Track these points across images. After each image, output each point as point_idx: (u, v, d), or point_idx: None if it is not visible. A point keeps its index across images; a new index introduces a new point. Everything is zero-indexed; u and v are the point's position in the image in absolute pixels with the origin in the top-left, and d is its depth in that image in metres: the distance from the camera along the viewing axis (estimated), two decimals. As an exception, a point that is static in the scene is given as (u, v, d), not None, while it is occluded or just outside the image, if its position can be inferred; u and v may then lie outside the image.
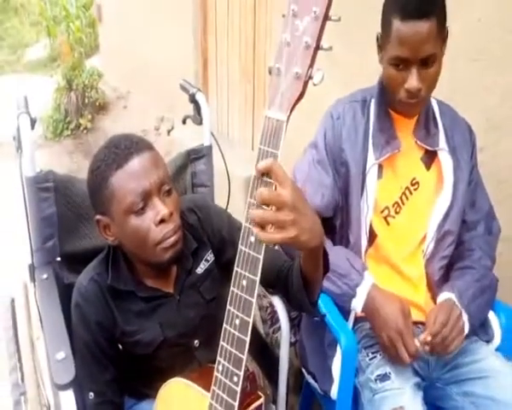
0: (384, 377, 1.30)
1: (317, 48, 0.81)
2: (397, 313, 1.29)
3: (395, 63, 1.30)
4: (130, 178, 1.05)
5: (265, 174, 0.83)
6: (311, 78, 0.82)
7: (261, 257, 0.85)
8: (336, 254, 1.37)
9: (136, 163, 1.05)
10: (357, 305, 1.35)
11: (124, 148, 1.07)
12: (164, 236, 1.06)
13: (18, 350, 1.39)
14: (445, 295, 1.38)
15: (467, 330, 1.34)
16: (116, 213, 1.07)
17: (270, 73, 0.85)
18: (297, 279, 1.04)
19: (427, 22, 1.24)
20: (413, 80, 1.28)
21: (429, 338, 1.27)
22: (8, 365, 1.33)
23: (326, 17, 0.79)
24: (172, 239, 1.08)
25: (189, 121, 1.63)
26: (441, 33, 1.28)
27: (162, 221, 1.06)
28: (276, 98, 0.84)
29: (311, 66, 0.81)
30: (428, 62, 1.28)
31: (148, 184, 1.05)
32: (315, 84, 0.82)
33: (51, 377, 1.07)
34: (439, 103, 1.49)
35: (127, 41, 4.71)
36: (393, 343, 1.28)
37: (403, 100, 1.33)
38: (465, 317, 1.34)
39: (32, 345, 1.34)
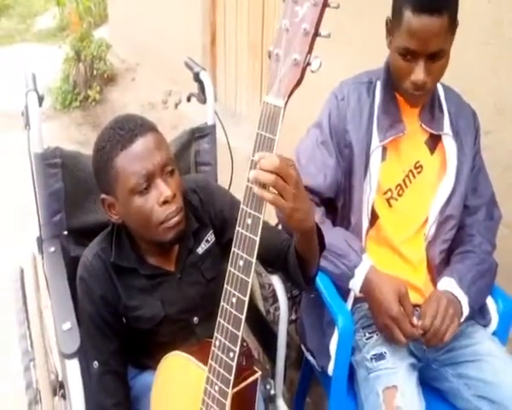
0: (379, 357, 1.33)
1: (316, 35, 0.81)
2: (392, 299, 1.30)
3: (403, 53, 1.28)
4: (134, 159, 1.07)
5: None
6: (309, 64, 0.83)
7: (257, 239, 0.88)
8: (335, 235, 1.39)
9: (139, 145, 1.08)
10: (354, 286, 1.37)
11: (128, 129, 1.09)
12: (167, 216, 1.09)
13: (27, 319, 1.44)
14: (444, 280, 1.40)
15: (466, 312, 1.36)
16: (120, 194, 1.10)
17: (269, 57, 0.86)
18: (292, 258, 1.08)
19: (440, 18, 1.21)
20: (420, 73, 1.28)
21: (420, 331, 1.29)
22: (18, 332, 1.38)
23: (325, 4, 0.80)
24: (175, 219, 1.10)
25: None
26: (452, 28, 1.27)
27: (165, 202, 1.09)
28: (274, 84, 0.85)
29: (310, 52, 0.82)
30: (437, 56, 1.27)
31: (151, 166, 1.07)
32: (313, 72, 0.84)
33: (58, 347, 1.12)
34: (445, 88, 1.49)
35: (136, 12, 4.67)
36: (389, 328, 1.30)
37: (408, 90, 1.33)
38: (465, 299, 1.36)
39: (40, 314, 1.39)
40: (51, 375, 1.39)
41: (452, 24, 1.26)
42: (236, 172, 1.64)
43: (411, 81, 1.30)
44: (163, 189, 1.08)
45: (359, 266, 1.36)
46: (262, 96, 3.32)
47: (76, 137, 4.07)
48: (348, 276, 1.37)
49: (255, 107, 3.43)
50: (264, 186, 0.85)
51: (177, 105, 4.12)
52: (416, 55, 1.27)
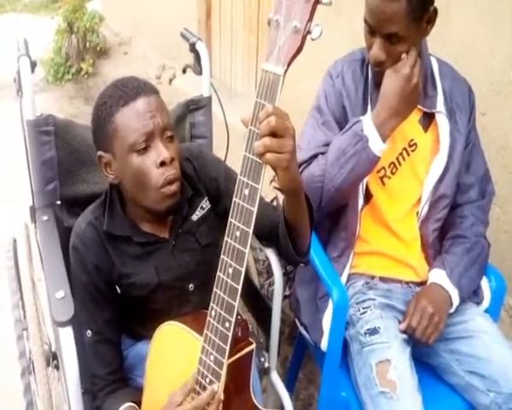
0: (373, 332, 1.34)
1: (317, 2, 0.80)
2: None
3: (365, 26, 1.30)
4: (135, 116, 1.06)
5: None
6: (309, 32, 0.81)
7: (255, 210, 0.87)
8: (332, 145, 1.37)
9: (142, 103, 1.06)
10: (373, 136, 1.29)
11: (131, 87, 1.08)
12: (165, 179, 1.07)
13: (20, 289, 1.43)
14: (435, 272, 1.43)
15: (456, 303, 1.39)
16: (118, 151, 1.09)
17: (268, 24, 0.85)
18: (283, 229, 1.10)
19: (396, 2, 1.21)
20: (374, 49, 1.29)
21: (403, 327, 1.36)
22: (11, 301, 1.37)
23: (327, -30, 0.79)
24: (173, 188, 1.09)
25: (190, 71, 1.62)
26: (413, 16, 1.23)
27: (163, 164, 1.07)
28: (273, 51, 0.83)
29: (310, 20, 0.81)
30: (393, 39, 1.26)
31: (152, 125, 1.06)
32: (313, 39, 0.82)
33: (51, 315, 1.11)
34: (440, 62, 1.47)
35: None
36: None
37: (371, 64, 1.34)
38: (455, 292, 1.38)
39: (33, 284, 1.38)
40: (44, 345, 1.39)
41: (414, 12, 1.23)
42: (231, 149, 1.62)
43: (370, 55, 1.31)
44: (162, 150, 1.07)
45: (362, 123, 1.31)
46: (258, 71, 3.29)
47: (68, 110, 4.02)
48: (364, 141, 1.30)
49: (251, 83, 3.40)
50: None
51: (171, 80, 4.07)
52: (372, 30, 1.28)
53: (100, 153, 1.13)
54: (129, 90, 1.07)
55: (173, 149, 1.10)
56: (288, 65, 0.83)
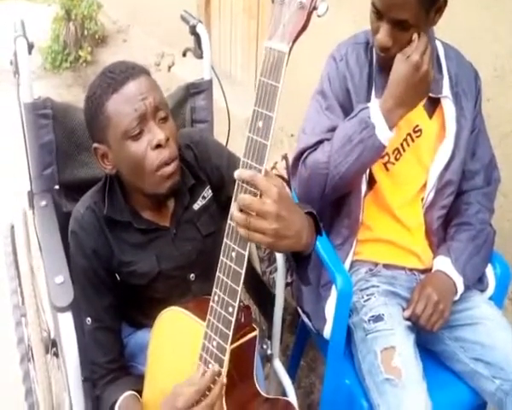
0: (377, 319, 1.33)
1: (323, -23, 0.77)
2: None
3: (373, 8, 1.26)
4: (126, 101, 1.03)
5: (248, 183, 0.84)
6: (315, 8, 0.78)
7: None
8: (337, 134, 1.33)
9: (131, 87, 1.04)
10: (381, 124, 1.27)
11: (119, 72, 1.05)
12: (160, 161, 1.05)
13: (18, 276, 1.42)
14: (440, 260, 1.41)
15: (461, 291, 1.38)
16: (113, 140, 1.06)
17: (273, 1, 0.82)
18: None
19: None
20: (380, 34, 1.26)
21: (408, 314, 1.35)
22: (9, 287, 1.36)
23: None
24: (170, 168, 1.07)
25: (189, 57, 1.59)
26: (424, 5, 1.21)
27: (159, 146, 1.05)
28: (278, 29, 0.81)
29: (316, -5, 0.78)
30: (401, 26, 1.23)
31: (143, 107, 1.03)
32: (319, 16, 0.79)
33: (50, 301, 1.09)
34: (445, 46, 1.44)
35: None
36: None
37: (376, 49, 1.31)
38: (460, 280, 1.37)
39: (31, 271, 1.36)
40: (43, 332, 1.37)
41: (425, 0, 1.20)
42: (231, 136, 1.59)
43: (376, 39, 1.29)
44: (156, 132, 1.04)
45: (369, 109, 1.28)
46: (258, 58, 3.26)
47: (66, 99, 3.98)
48: (370, 128, 1.27)
49: (250, 71, 3.37)
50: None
51: (170, 68, 4.04)
52: (380, 14, 1.25)
53: (95, 145, 1.10)
54: (117, 76, 1.05)
55: (168, 129, 1.07)
56: (293, 42, 0.81)
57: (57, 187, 1.42)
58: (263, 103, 0.83)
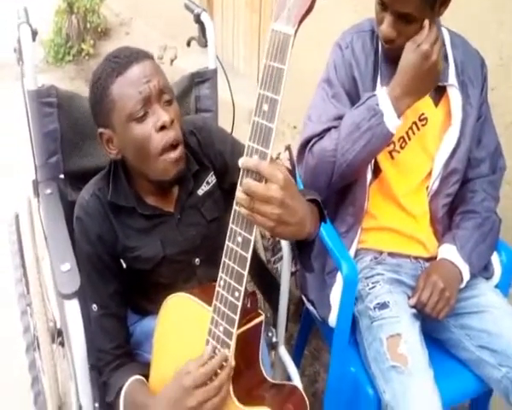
0: (383, 306, 1.33)
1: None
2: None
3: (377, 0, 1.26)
4: (131, 84, 1.03)
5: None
6: (319, -8, 0.79)
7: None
8: (344, 123, 1.33)
9: (135, 70, 1.04)
10: (389, 111, 1.26)
11: (123, 57, 1.06)
12: (165, 143, 1.05)
13: (23, 265, 1.41)
14: (445, 247, 1.41)
15: (467, 279, 1.37)
16: (117, 123, 1.06)
17: None
18: None
19: None
20: (385, 26, 1.26)
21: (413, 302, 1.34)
22: (14, 276, 1.35)
23: None
24: (175, 154, 1.07)
25: (192, 50, 1.58)
26: (430, 1, 1.20)
27: (163, 128, 1.05)
28: (282, 12, 0.80)
29: (321, -23, 0.78)
30: (405, 18, 1.22)
31: (148, 90, 1.03)
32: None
33: (56, 289, 1.09)
34: (452, 34, 1.43)
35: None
36: None
37: (381, 40, 1.31)
38: (466, 268, 1.37)
39: (36, 259, 1.36)
40: (49, 322, 1.37)
41: None
42: (235, 127, 1.58)
43: (380, 30, 1.28)
44: (161, 114, 1.04)
45: (378, 97, 1.27)
46: (260, 51, 3.25)
47: (69, 92, 3.98)
48: (379, 116, 1.26)
49: (253, 63, 3.36)
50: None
51: (172, 61, 4.03)
52: (384, 6, 1.24)
53: (100, 130, 1.10)
54: (121, 60, 1.05)
55: (173, 111, 1.08)
56: (299, 25, 0.80)
57: (62, 176, 1.42)
58: (268, 86, 0.83)
